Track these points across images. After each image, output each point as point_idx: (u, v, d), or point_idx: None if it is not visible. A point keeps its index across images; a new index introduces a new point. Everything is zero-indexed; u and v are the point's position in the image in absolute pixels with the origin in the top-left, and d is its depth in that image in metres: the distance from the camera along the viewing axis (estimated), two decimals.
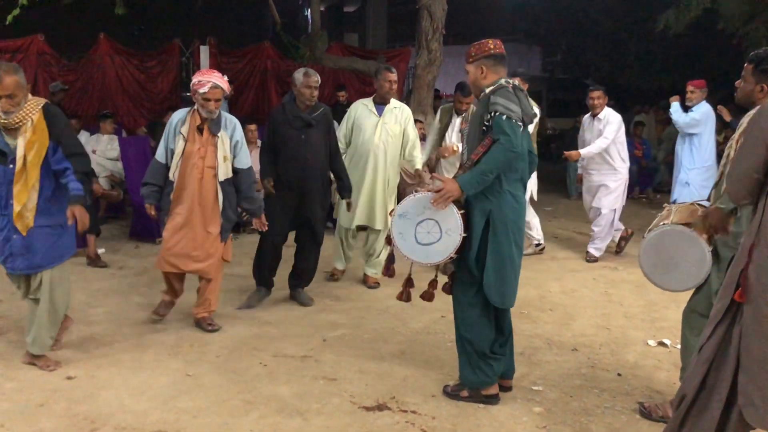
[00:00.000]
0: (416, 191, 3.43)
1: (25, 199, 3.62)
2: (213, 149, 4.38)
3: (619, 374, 3.96)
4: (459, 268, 3.47)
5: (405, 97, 10.76)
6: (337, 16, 20.18)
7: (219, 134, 4.39)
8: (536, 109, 6.33)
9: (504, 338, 3.58)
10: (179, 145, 4.36)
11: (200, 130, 4.37)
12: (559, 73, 19.78)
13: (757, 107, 2.57)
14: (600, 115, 6.62)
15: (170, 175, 4.41)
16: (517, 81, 3.48)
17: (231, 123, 4.48)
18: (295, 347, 4.28)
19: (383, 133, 5.50)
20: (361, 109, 5.58)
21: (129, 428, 3.20)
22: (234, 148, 4.45)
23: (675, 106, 6.87)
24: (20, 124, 3.57)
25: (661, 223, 3.42)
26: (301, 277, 5.25)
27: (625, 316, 5.05)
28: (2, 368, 3.81)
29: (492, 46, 3.45)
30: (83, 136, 7.79)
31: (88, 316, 4.81)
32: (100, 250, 6.50)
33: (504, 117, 3.19)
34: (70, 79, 11.12)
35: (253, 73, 11.74)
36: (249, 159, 4.57)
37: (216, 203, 4.42)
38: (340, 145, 5.40)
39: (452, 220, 3.30)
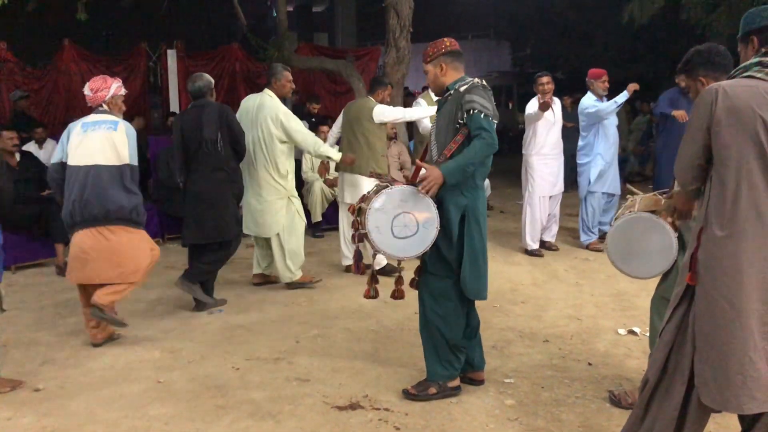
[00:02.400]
0: (391, 185, 3.43)
1: None
2: None
3: (589, 363, 4.01)
4: (432, 262, 3.47)
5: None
6: (306, 17, 20.10)
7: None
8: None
9: (471, 330, 3.61)
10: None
11: None
12: (529, 68, 19.91)
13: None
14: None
15: None
16: (478, 80, 3.47)
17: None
18: (267, 350, 4.26)
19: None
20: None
21: None
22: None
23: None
24: None
25: (627, 212, 3.46)
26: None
27: (596, 306, 5.10)
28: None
29: (448, 44, 3.49)
30: (50, 144, 7.67)
31: (57, 326, 4.75)
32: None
33: (482, 114, 3.25)
34: (34, 87, 10.95)
35: (222, 75, 11.66)
36: None
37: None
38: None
39: (429, 214, 3.33)
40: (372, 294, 3.58)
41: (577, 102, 7.36)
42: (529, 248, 6.81)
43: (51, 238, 6.30)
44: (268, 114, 5.28)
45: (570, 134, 8.16)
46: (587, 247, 6.89)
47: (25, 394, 3.64)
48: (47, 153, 7.34)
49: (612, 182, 6.86)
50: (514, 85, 17.67)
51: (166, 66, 11.44)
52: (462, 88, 3.38)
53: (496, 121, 3.34)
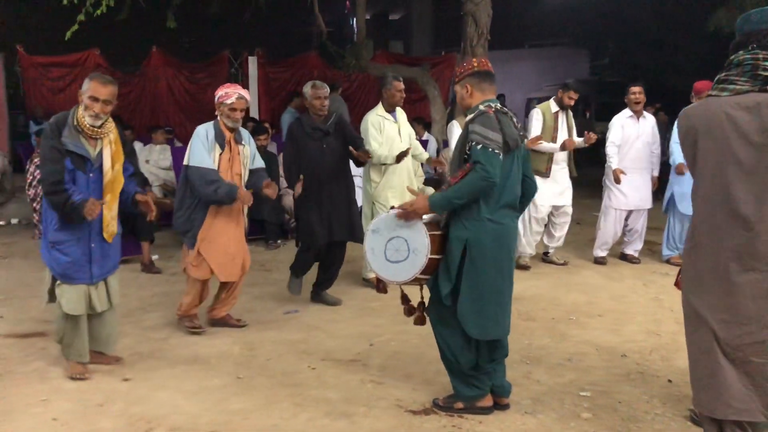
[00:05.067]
0: (392, 207, 3.44)
1: (114, 207, 3.83)
2: (238, 157, 4.62)
3: (669, 381, 3.90)
4: (433, 289, 3.40)
5: (450, 103, 10.77)
6: (382, 24, 20.34)
7: (242, 143, 4.64)
8: (536, 130, 6.34)
9: (497, 359, 3.46)
10: (215, 155, 4.50)
11: (230, 142, 4.58)
12: (608, 77, 19.47)
13: None
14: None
15: None
16: (492, 106, 3.33)
17: (246, 135, 4.76)
18: (342, 351, 4.34)
19: (405, 137, 5.75)
20: (379, 118, 5.67)
21: (183, 429, 3.30)
22: (253, 158, 4.74)
23: None
24: (104, 134, 3.74)
25: None
26: (330, 281, 5.44)
27: (677, 321, 4.95)
28: (63, 370, 3.97)
29: (475, 64, 3.38)
30: (136, 147, 8.02)
31: (142, 320, 4.97)
32: (154, 257, 6.70)
33: (479, 146, 3.10)
34: (124, 91, 11.45)
35: (300, 83, 11.93)
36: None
37: (242, 210, 4.72)
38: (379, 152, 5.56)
39: (420, 240, 3.26)
40: (407, 313, 3.58)
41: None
42: (596, 256, 6.74)
43: (138, 237, 6.58)
44: None
45: None
46: (668, 262, 6.70)
47: (115, 384, 3.82)
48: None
49: None
50: (592, 94, 17.30)
51: (247, 72, 11.79)
52: (468, 117, 3.29)
53: (511, 146, 3.20)
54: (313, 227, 5.15)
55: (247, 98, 4.58)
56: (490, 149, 3.10)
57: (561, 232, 6.70)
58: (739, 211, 2.42)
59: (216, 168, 4.46)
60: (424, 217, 3.34)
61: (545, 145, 6.23)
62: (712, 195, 2.48)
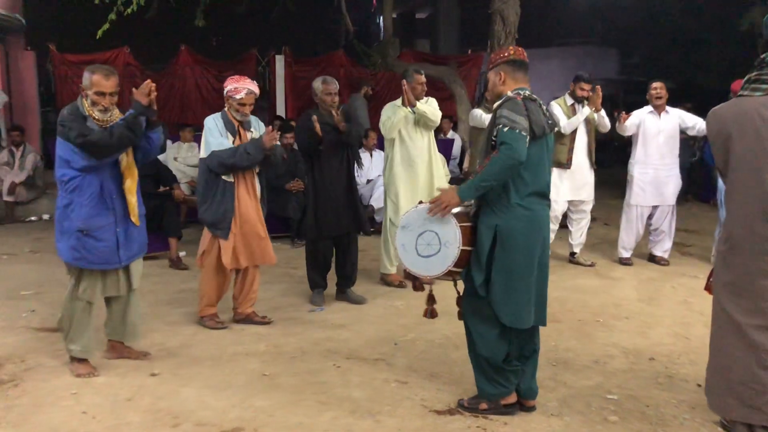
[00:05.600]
0: (420, 202, 3.44)
1: (135, 190, 3.91)
2: None
3: (699, 385, 3.83)
4: (466, 280, 3.38)
5: (477, 102, 10.71)
6: (409, 23, 20.30)
7: (251, 130, 4.74)
8: (563, 119, 6.28)
9: (526, 355, 3.45)
10: (228, 144, 4.59)
11: (239, 131, 4.69)
12: (638, 76, 19.24)
13: None
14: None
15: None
16: (520, 92, 3.31)
17: (255, 121, 4.86)
18: (367, 350, 4.35)
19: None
20: (397, 109, 5.69)
21: (209, 424, 3.33)
22: None
23: None
24: (113, 123, 3.79)
25: None
26: (349, 278, 5.48)
27: (706, 325, 4.82)
28: (93, 363, 4.02)
29: (512, 52, 3.37)
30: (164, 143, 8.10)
31: (170, 316, 5.03)
32: (181, 253, 6.76)
33: (506, 129, 3.11)
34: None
35: None
36: None
37: (257, 195, 4.78)
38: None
39: (451, 233, 3.25)
40: (429, 315, 3.56)
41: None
42: (620, 256, 6.66)
43: (165, 233, 6.65)
44: None
45: (683, 146, 7.84)
46: None
47: (143, 378, 3.87)
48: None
49: None
50: (621, 93, 17.13)
51: (275, 71, 11.86)
52: (497, 104, 3.29)
53: (537, 133, 3.18)
54: (318, 219, 5.23)
55: (256, 92, 4.67)
56: (517, 130, 3.11)
57: (577, 227, 6.63)
58: None
59: None
60: (454, 209, 3.34)
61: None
62: (747, 198, 2.44)
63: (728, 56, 14.73)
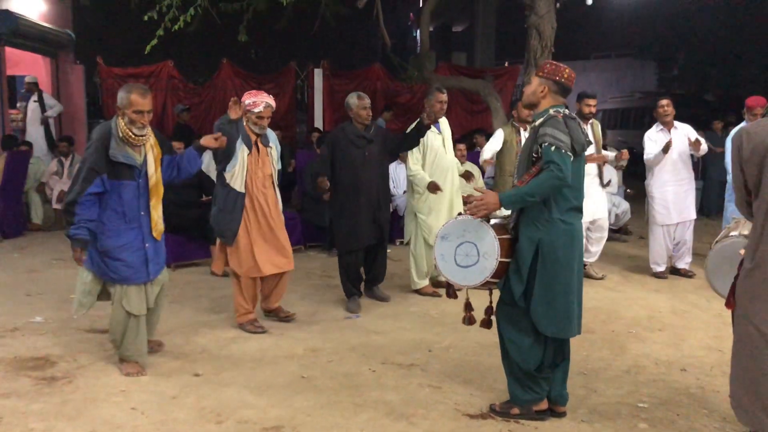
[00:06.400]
0: (459, 214, 3.54)
1: (159, 208, 4.11)
2: (268, 159, 4.93)
3: (731, 396, 3.86)
4: (504, 289, 3.45)
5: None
6: (445, 36, 20.46)
7: (269, 146, 4.95)
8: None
9: (557, 362, 3.52)
10: (243, 156, 4.78)
11: (256, 144, 4.87)
12: (677, 89, 19.09)
13: None
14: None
15: (233, 184, 4.81)
16: (561, 111, 3.43)
17: (273, 136, 5.08)
18: (402, 356, 4.47)
19: (450, 148, 5.96)
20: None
21: (251, 422, 3.49)
22: (280, 158, 5.17)
23: None
24: (147, 140, 4.02)
25: (731, 234, 3.42)
26: (376, 278, 5.78)
27: None
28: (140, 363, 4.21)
29: (566, 74, 3.42)
30: (207, 155, 8.34)
31: (212, 321, 5.22)
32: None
33: (553, 147, 3.20)
34: (195, 101, 11.97)
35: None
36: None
37: (277, 205, 4.98)
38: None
39: (489, 244, 3.33)
40: (467, 321, 3.65)
41: (728, 126, 7.07)
42: (654, 271, 6.71)
43: (207, 241, 6.86)
44: None
45: (718, 160, 7.83)
46: None
47: (187, 378, 4.05)
48: (205, 163, 8.02)
49: None
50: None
51: (313, 84, 12.10)
52: (538, 121, 3.37)
53: (577, 150, 3.29)
54: (351, 231, 5.43)
55: (273, 105, 4.89)
56: (563, 150, 3.22)
57: (597, 247, 6.65)
58: None
59: (245, 169, 4.79)
60: (492, 220, 3.44)
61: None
62: None
63: None
